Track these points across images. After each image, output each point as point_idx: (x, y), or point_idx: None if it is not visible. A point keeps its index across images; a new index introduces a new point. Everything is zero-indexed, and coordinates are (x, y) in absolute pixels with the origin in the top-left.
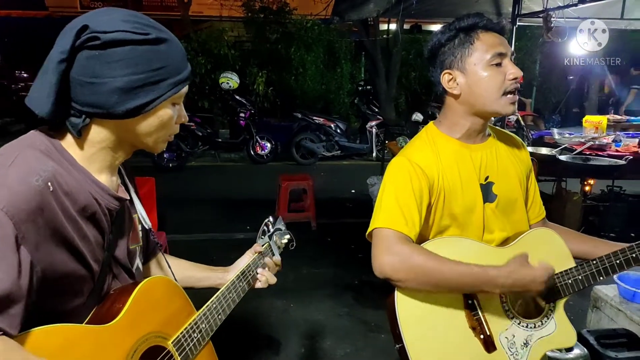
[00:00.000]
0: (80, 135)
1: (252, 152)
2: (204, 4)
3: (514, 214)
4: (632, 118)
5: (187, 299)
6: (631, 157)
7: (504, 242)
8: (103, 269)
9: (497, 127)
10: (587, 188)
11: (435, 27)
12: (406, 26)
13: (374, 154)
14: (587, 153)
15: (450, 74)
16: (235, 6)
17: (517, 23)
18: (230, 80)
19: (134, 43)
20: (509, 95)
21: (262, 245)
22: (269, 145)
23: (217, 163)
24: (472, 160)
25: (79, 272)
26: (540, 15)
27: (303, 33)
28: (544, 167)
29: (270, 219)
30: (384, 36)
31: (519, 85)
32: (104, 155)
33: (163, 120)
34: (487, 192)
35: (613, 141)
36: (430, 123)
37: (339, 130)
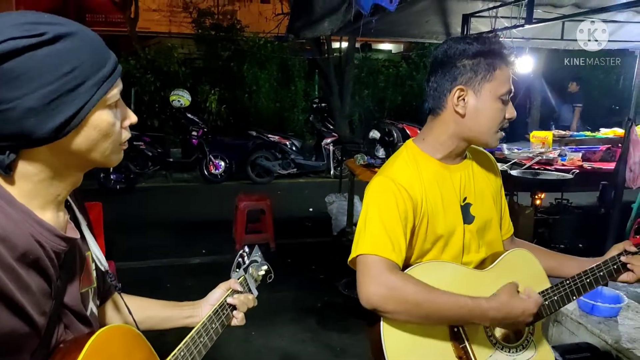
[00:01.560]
0: (10, 172)
1: (205, 172)
2: (151, 20)
3: (489, 235)
4: (575, 133)
5: (149, 349)
6: (577, 170)
7: (481, 263)
8: (51, 320)
9: (473, 147)
10: (537, 202)
11: (385, 46)
12: (357, 45)
13: (332, 172)
14: (536, 168)
15: (463, 90)
16: (185, 23)
17: None
18: (181, 98)
19: (28, 49)
20: (501, 132)
21: (238, 279)
22: (223, 164)
23: (168, 184)
24: (452, 181)
25: (20, 330)
26: (489, 36)
27: (256, 50)
28: None
29: (246, 249)
30: (337, 54)
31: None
32: (46, 188)
33: (102, 128)
34: (466, 213)
35: (559, 155)
36: (410, 141)
37: (294, 148)
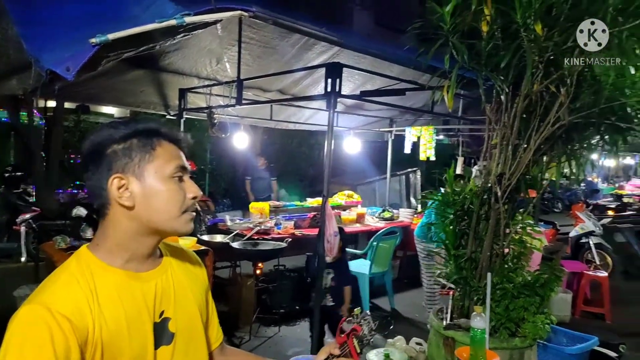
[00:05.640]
0: None
1: None
2: None
3: (194, 351)
4: (287, 203)
5: None
6: (290, 238)
7: None
8: None
9: (169, 243)
10: (258, 271)
11: (108, 109)
12: (71, 105)
13: (24, 258)
14: (256, 238)
15: (122, 178)
16: None
17: (184, 116)
18: None
19: None
20: (188, 214)
21: None
22: None
23: None
24: (143, 294)
25: None
26: (204, 111)
27: None
28: (220, 254)
29: None
30: (40, 115)
31: (197, 205)
32: None
33: None
34: (161, 332)
35: (275, 225)
36: (84, 247)
37: None
